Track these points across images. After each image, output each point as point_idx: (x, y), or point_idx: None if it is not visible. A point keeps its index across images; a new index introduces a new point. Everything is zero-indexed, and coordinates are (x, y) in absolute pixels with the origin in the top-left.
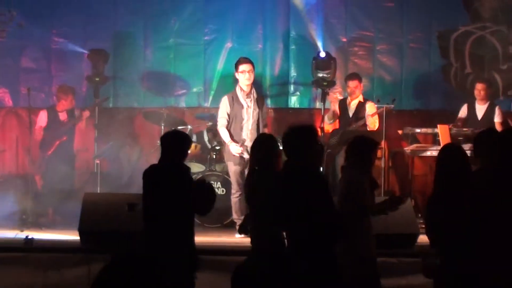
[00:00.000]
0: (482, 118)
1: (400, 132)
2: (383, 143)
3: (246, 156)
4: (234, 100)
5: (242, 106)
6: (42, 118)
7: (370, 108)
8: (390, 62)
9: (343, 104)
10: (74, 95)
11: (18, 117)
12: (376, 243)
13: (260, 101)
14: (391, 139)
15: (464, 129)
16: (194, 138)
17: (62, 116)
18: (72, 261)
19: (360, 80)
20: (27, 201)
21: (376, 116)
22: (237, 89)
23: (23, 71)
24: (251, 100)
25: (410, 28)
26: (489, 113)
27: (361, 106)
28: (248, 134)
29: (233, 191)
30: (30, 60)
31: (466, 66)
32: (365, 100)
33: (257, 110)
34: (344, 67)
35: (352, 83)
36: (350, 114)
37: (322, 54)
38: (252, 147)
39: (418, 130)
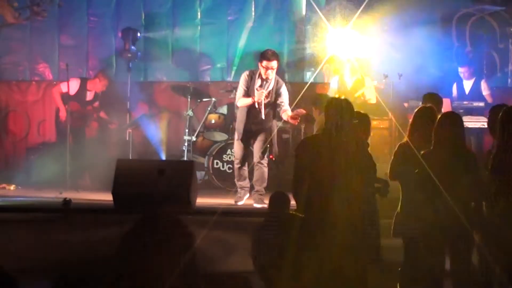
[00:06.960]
0: (469, 92)
1: (406, 104)
2: (390, 115)
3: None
4: (252, 79)
5: (255, 84)
6: (72, 86)
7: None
8: (397, 41)
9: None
10: (108, 83)
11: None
12: None
13: (276, 88)
14: (397, 112)
15: (465, 102)
16: (222, 110)
17: (90, 95)
18: (106, 221)
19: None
20: (65, 166)
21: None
22: (257, 72)
23: (62, 48)
24: (267, 84)
25: (416, 10)
26: (476, 88)
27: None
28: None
29: (235, 160)
30: (68, 37)
31: (467, 45)
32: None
33: (271, 95)
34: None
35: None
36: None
37: None
38: None
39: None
